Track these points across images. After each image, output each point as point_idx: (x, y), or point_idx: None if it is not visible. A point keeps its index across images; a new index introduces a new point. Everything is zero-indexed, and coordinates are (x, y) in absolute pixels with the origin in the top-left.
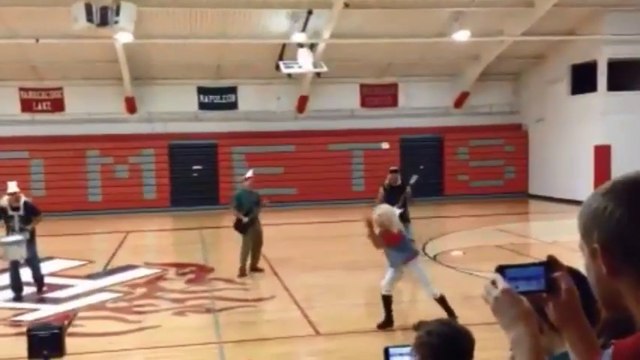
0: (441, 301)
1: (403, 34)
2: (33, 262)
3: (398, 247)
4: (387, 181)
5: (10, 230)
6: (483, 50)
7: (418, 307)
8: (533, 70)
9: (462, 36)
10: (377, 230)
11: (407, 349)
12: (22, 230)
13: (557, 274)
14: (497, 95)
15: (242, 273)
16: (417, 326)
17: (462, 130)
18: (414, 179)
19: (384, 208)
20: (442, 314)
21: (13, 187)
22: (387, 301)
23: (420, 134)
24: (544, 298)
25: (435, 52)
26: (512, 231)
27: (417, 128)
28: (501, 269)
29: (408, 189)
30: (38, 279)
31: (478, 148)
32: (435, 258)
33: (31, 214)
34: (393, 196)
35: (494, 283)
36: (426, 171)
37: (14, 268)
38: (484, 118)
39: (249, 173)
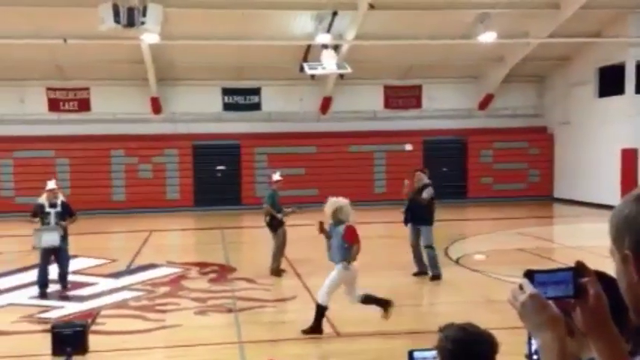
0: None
1: (427, 35)
2: (62, 258)
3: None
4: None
5: (45, 225)
6: (508, 52)
7: (439, 309)
8: (559, 73)
9: (487, 37)
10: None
11: (431, 353)
12: (56, 224)
13: (585, 279)
14: (521, 97)
15: (276, 272)
16: (440, 329)
17: (485, 132)
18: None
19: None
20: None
21: (51, 184)
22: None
23: (444, 136)
24: (572, 304)
25: (459, 53)
26: (536, 235)
27: (440, 130)
28: (529, 274)
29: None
30: (64, 276)
31: (502, 150)
32: (457, 261)
33: (67, 212)
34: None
35: (521, 287)
36: (448, 173)
37: (44, 264)
38: (508, 121)
39: (277, 175)
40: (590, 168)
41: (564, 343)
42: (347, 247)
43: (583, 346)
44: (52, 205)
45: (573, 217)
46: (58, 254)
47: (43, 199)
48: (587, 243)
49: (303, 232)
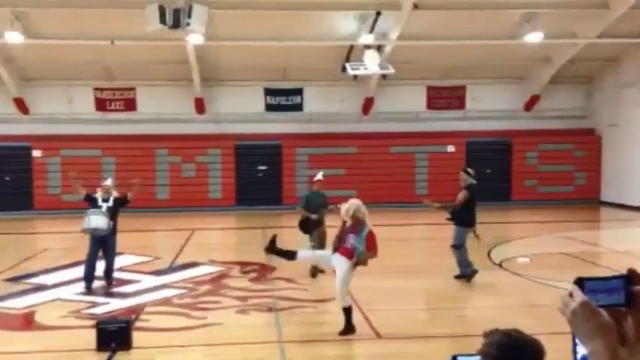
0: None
1: (472, 35)
2: (109, 254)
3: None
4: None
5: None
6: (555, 52)
7: (480, 313)
8: (608, 74)
9: (534, 38)
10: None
11: (475, 358)
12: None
13: (637, 287)
14: (568, 99)
15: (312, 273)
16: (485, 334)
17: (531, 134)
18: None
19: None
20: (506, 322)
21: (107, 181)
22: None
23: (487, 137)
24: (623, 312)
25: (504, 54)
26: (582, 239)
27: (484, 131)
28: (580, 281)
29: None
30: (109, 273)
31: (547, 152)
32: (500, 264)
33: (118, 207)
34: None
35: (571, 295)
36: (492, 175)
37: (92, 258)
38: (554, 122)
39: (319, 175)
40: (639, 171)
41: (617, 352)
42: (361, 250)
43: (635, 355)
44: (105, 200)
45: (620, 221)
46: (106, 249)
47: (97, 194)
48: (634, 248)
49: None
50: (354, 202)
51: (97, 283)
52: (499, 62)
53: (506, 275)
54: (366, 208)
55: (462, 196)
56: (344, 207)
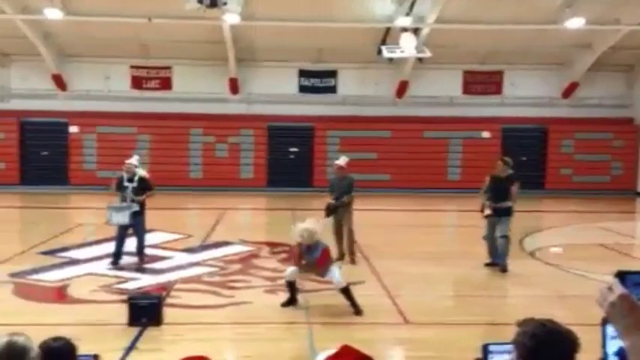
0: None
1: (511, 20)
2: (139, 232)
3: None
4: (495, 171)
5: (123, 200)
6: (596, 39)
7: (509, 302)
8: None
9: (574, 23)
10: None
11: (507, 347)
12: (132, 201)
13: None
14: (608, 87)
15: (338, 256)
16: (519, 323)
17: (568, 122)
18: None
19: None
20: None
21: (131, 159)
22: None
23: (524, 124)
24: None
25: (544, 39)
26: (618, 230)
27: (520, 118)
28: (621, 275)
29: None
30: (140, 250)
31: (584, 141)
32: (532, 254)
33: (143, 188)
34: (494, 187)
35: (610, 288)
36: (527, 163)
37: (120, 236)
38: (593, 111)
39: (340, 160)
40: None
41: None
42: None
43: None
44: (130, 180)
45: None
46: (134, 229)
47: (123, 173)
48: None
49: (376, 218)
50: (307, 228)
51: (128, 260)
52: (538, 48)
53: (538, 265)
54: (317, 226)
55: (515, 188)
56: (297, 229)
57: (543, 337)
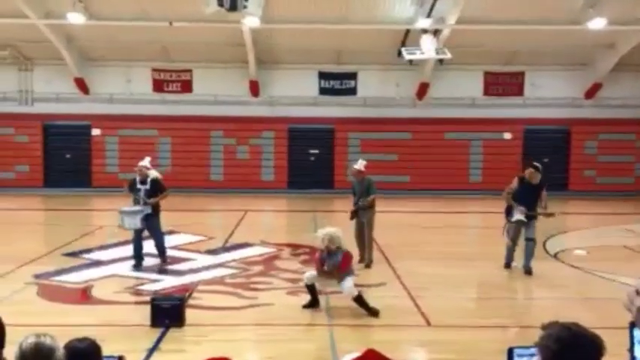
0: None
1: (532, 20)
2: (155, 234)
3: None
4: (526, 175)
5: (136, 202)
6: (620, 39)
7: (533, 304)
8: None
9: (597, 24)
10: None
11: (532, 350)
12: (145, 204)
13: None
14: (632, 87)
15: (360, 259)
16: (543, 327)
17: (591, 122)
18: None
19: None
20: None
21: (143, 162)
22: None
23: (546, 125)
24: None
25: (566, 39)
26: None
27: (542, 119)
28: None
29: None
30: (161, 251)
31: (608, 142)
32: (555, 256)
33: (155, 190)
34: (526, 192)
35: (638, 292)
36: (549, 164)
37: (137, 239)
38: (616, 111)
39: (358, 164)
40: None
41: None
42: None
43: None
44: (142, 182)
45: None
46: (150, 231)
47: (135, 175)
48: None
49: (396, 220)
50: (328, 232)
51: (151, 261)
52: (560, 48)
53: (562, 267)
54: (339, 232)
55: (545, 193)
56: (319, 235)
57: (568, 341)
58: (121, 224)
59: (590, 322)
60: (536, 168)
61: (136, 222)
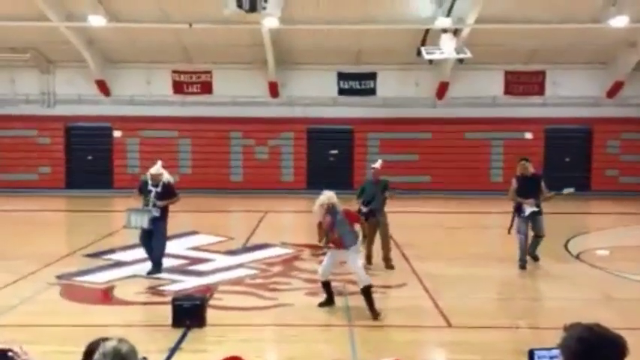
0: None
1: (553, 19)
2: (158, 239)
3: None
4: (518, 172)
5: (145, 204)
6: None
7: (553, 305)
8: None
9: (619, 22)
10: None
11: (554, 352)
12: (154, 206)
13: None
14: None
15: (367, 260)
16: (566, 328)
17: (613, 121)
18: (567, 190)
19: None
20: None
21: (155, 168)
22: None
23: (567, 125)
24: None
25: (587, 38)
26: None
27: (564, 118)
28: None
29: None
30: (156, 260)
31: (631, 141)
32: (577, 256)
33: (166, 193)
34: (525, 186)
35: None
36: (571, 164)
37: (144, 243)
38: (639, 110)
39: (377, 163)
40: None
41: None
42: (352, 230)
43: None
44: (155, 185)
45: None
46: (155, 235)
47: (147, 177)
48: None
49: (417, 220)
50: (318, 201)
51: (172, 263)
52: (581, 47)
53: (584, 267)
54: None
55: (543, 184)
56: (314, 210)
57: (590, 342)
58: (127, 223)
59: (613, 323)
60: (524, 159)
61: (143, 221)
